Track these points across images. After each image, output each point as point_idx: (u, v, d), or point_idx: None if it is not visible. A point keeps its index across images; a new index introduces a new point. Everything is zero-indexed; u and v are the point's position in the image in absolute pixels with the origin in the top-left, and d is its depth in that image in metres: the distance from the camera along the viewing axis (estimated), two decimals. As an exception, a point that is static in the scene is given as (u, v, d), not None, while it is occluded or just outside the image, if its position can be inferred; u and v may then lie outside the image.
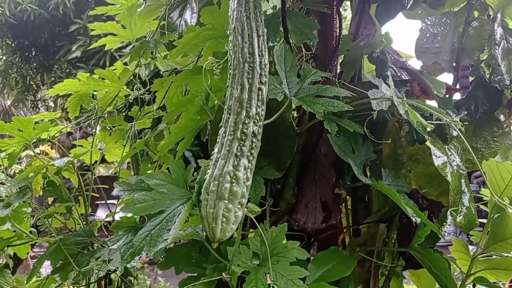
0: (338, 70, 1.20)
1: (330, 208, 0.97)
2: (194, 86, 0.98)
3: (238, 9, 0.81)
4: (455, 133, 1.03)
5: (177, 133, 0.94)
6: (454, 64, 1.25)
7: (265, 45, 0.81)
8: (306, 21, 0.91)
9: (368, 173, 1.09)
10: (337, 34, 1.01)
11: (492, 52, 1.08)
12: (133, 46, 1.22)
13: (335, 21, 1.01)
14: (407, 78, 1.08)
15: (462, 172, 1.00)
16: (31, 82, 12.58)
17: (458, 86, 1.23)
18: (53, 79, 11.20)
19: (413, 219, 0.81)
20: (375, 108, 0.88)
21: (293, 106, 1.04)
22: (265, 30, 0.83)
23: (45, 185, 1.38)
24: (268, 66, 0.81)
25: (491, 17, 1.21)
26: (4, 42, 10.90)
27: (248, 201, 0.90)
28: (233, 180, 0.74)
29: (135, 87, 1.35)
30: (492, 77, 1.08)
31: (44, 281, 1.32)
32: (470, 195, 0.99)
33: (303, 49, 1.01)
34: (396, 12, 1.25)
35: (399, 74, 1.07)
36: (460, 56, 1.24)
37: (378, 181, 0.87)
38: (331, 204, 0.96)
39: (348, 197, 1.16)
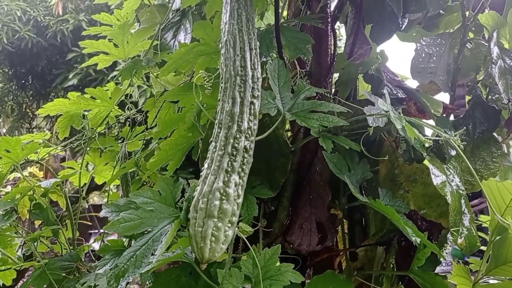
0: (333, 89, 1.18)
1: (325, 229, 0.93)
2: (185, 103, 0.96)
3: (230, 22, 0.79)
4: (453, 152, 1.00)
5: (168, 150, 0.91)
6: (450, 84, 1.24)
7: (258, 59, 0.79)
8: (300, 36, 0.89)
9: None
10: (332, 51, 1.00)
11: (489, 71, 1.06)
12: (125, 65, 1.20)
13: (329, 38, 0.99)
14: (403, 97, 1.06)
15: (462, 192, 0.96)
16: (27, 110, 12.57)
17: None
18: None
19: (413, 240, 0.77)
20: (371, 125, 0.85)
21: (287, 124, 1.01)
22: (258, 43, 0.81)
23: (31, 208, 1.33)
24: (260, 80, 0.79)
25: (487, 37, 1.20)
26: (0, 70, 10.94)
27: (240, 220, 0.87)
28: (223, 197, 0.71)
29: (126, 107, 1.32)
30: (490, 96, 1.06)
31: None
32: (471, 216, 0.95)
33: (297, 66, 0.99)
34: (390, 32, 1.24)
35: (395, 92, 1.05)
36: (456, 77, 1.23)
37: (376, 200, 0.84)
38: (326, 225, 0.92)
39: (344, 220, 1.13)
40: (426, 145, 0.80)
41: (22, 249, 1.48)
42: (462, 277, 1.16)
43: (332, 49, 1.01)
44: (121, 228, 0.76)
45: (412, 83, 1.29)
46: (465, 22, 1.26)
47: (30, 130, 12.89)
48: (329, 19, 1.00)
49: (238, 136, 0.74)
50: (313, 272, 1.12)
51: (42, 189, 1.28)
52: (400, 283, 1.04)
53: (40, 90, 11.55)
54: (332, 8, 1.08)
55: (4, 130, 15.33)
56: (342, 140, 0.87)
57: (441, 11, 1.26)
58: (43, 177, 1.52)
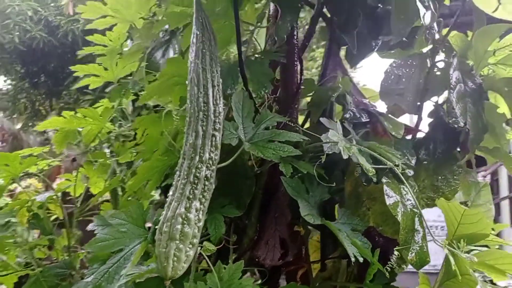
0: (307, 111, 1.27)
1: (287, 246, 1.01)
2: (156, 130, 1.05)
3: (195, 61, 0.88)
4: (410, 173, 1.08)
5: (144, 173, 1.00)
6: (419, 104, 1.31)
7: (220, 95, 0.88)
8: (262, 69, 0.98)
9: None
10: (298, 80, 1.08)
11: (447, 96, 1.14)
12: (113, 87, 1.30)
13: (296, 68, 1.07)
14: (367, 120, 1.14)
15: (416, 211, 1.04)
16: (40, 108, 12.82)
17: (421, 126, 1.28)
18: (61, 104, 11.38)
19: (353, 258, 0.86)
20: (327, 151, 0.94)
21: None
22: (221, 80, 0.89)
23: (30, 218, 1.44)
24: (222, 114, 0.88)
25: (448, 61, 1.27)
26: (13, 68, 11.16)
27: (207, 239, 0.96)
28: (185, 222, 0.80)
29: (117, 124, 1.42)
30: (448, 118, 1.14)
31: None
32: (423, 234, 1.03)
33: (266, 94, 1.08)
34: (364, 54, 1.31)
35: (358, 116, 1.13)
36: (424, 97, 1.30)
37: (327, 221, 0.92)
38: (288, 242, 1.01)
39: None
40: (370, 174, 0.87)
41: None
42: (426, 285, 1.24)
43: (299, 77, 1.09)
44: (97, 247, 0.86)
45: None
46: (434, 44, 1.33)
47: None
48: (296, 49, 1.08)
49: (199, 166, 0.83)
50: (286, 281, 1.20)
51: (39, 202, 1.39)
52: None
53: (52, 88, 11.77)
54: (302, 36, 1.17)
55: (18, 127, 15.62)
56: (302, 165, 0.96)
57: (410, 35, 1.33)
58: (44, 186, 1.62)
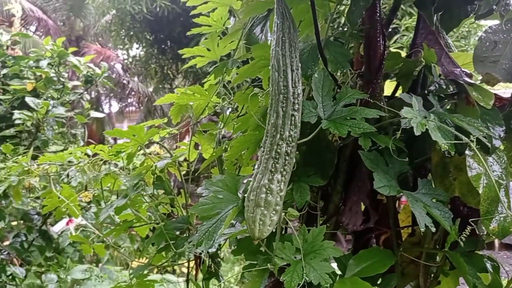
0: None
1: (368, 213, 1.09)
2: (252, 106, 1.18)
3: (275, 49, 0.98)
4: (497, 144, 1.07)
5: (238, 146, 1.15)
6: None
7: (298, 77, 0.97)
8: (341, 50, 1.04)
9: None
10: (381, 55, 1.11)
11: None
12: (216, 66, 1.45)
13: (378, 43, 1.11)
14: (454, 91, 1.13)
15: (501, 182, 1.04)
16: (168, 72, 13.89)
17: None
18: (186, 68, 12.20)
19: (423, 228, 0.91)
20: (404, 127, 0.98)
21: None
22: (299, 64, 0.98)
23: (154, 180, 1.70)
24: (301, 95, 0.97)
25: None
26: (144, 37, 12.21)
27: (292, 206, 1.08)
28: (268, 191, 0.93)
29: (221, 97, 1.58)
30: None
31: (153, 257, 1.64)
32: (509, 204, 1.03)
33: (349, 70, 1.14)
34: (459, 20, 1.28)
35: (445, 88, 1.13)
36: (524, 62, 1.23)
37: (405, 191, 0.98)
38: (369, 209, 1.09)
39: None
40: (442, 149, 0.90)
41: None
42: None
43: (382, 51, 1.12)
44: (199, 210, 1.03)
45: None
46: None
47: (171, 89, 14.26)
48: (378, 24, 1.11)
49: (280, 143, 0.94)
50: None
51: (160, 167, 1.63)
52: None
53: (177, 53, 12.71)
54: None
55: (151, 89, 17.11)
56: (380, 139, 1.02)
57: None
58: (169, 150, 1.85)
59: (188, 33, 1.69)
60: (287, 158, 0.95)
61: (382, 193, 0.96)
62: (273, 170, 0.94)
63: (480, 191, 0.99)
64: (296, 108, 0.96)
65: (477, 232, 1.09)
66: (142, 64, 14.06)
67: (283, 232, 1.17)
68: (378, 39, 1.11)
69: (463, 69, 1.24)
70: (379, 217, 1.18)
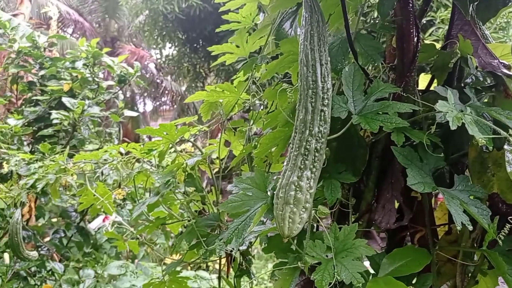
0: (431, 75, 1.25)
1: (402, 211, 1.06)
2: (281, 102, 1.16)
3: (304, 43, 0.96)
4: (540, 139, 1.01)
5: (267, 143, 1.13)
6: None
7: (328, 72, 0.95)
8: (372, 43, 1.01)
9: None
10: (414, 47, 1.07)
11: None
12: (245, 62, 1.44)
13: (411, 35, 1.07)
14: (492, 84, 1.08)
15: (545, 178, 0.98)
16: (200, 70, 13.99)
17: None
18: (218, 66, 12.27)
19: (459, 227, 0.87)
20: (438, 121, 0.94)
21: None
22: (329, 58, 0.96)
23: (186, 177, 1.71)
24: (330, 89, 0.95)
25: None
26: (176, 36, 12.33)
27: (323, 203, 1.06)
28: (297, 189, 0.91)
29: (251, 94, 1.57)
30: None
31: (185, 254, 1.65)
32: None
33: (382, 64, 1.10)
34: (496, 10, 1.23)
35: (482, 80, 1.08)
36: None
37: (441, 188, 0.94)
38: (403, 206, 1.05)
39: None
40: (480, 144, 0.86)
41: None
42: None
43: (415, 43, 1.08)
44: (229, 207, 1.02)
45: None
46: None
47: (203, 88, 14.39)
48: (411, 15, 1.07)
49: (309, 139, 0.92)
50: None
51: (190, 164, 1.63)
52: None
53: (209, 52, 12.79)
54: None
55: (184, 88, 17.31)
56: (414, 134, 0.98)
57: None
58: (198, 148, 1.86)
59: (217, 30, 1.69)
60: (316, 154, 0.93)
61: (416, 190, 0.92)
62: (302, 167, 0.92)
63: (520, 188, 0.94)
64: (325, 103, 0.94)
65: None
66: (175, 63, 14.21)
67: (314, 230, 1.15)
68: (411, 30, 1.07)
69: (501, 61, 1.19)
70: (414, 214, 1.14)
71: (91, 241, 3.56)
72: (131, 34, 17.80)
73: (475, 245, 1.15)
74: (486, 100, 1.11)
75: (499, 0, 1.22)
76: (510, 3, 1.21)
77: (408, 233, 1.17)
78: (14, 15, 6.64)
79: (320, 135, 0.93)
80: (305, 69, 0.94)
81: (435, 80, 1.25)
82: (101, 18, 18.06)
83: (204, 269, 3.88)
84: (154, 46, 14.62)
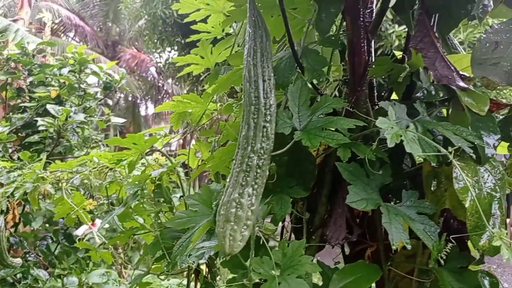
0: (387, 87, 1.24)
1: (352, 226, 1.05)
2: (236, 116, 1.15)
3: (247, 59, 0.95)
4: (490, 154, 1.00)
5: (220, 157, 1.12)
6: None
7: (271, 88, 0.94)
8: (318, 58, 1.00)
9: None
10: (365, 61, 1.07)
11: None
12: (208, 74, 1.43)
13: (362, 49, 1.06)
14: (444, 98, 1.07)
15: (495, 194, 0.97)
16: (200, 74, 14.03)
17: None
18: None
19: (394, 247, 0.86)
20: (382, 136, 0.93)
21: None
22: (272, 74, 0.95)
23: (155, 188, 1.70)
24: (274, 105, 0.94)
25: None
26: (175, 40, 12.35)
27: (271, 220, 1.05)
28: (238, 206, 0.90)
29: (218, 105, 1.57)
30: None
31: (150, 267, 1.64)
32: (502, 218, 0.96)
33: (326, 77, 1.09)
34: (459, 20, 1.22)
35: (434, 94, 1.07)
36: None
37: (384, 204, 0.93)
38: (351, 222, 1.04)
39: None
40: (420, 159, 0.85)
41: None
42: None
43: (367, 57, 1.07)
44: (175, 224, 1.02)
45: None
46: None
47: (203, 91, 14.41)
48: (361, 30, 1.06)
49: (251, 155, 0.91)
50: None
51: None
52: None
53: (208, 55, 12.84)
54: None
55: (185, 92, 17.34)
56: (360, 149, 0.97)
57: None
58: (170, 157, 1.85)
59: (187, 40, 1.68)
60: (258, 171, 0.92)
61: (356, 207, 0.91)
62: (244, 183, 0.91)
63: (467, 205, 0.93)
64: (268, 120, 0.93)
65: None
66: (175, 67, 14.24)
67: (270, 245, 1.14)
68: (362, 45, 1.06)
69: (461, 73, 1.17)
70: (369, 229, 1.13)
71: (79, 248, 3.55)
72: (132, 38, 17.85)
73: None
74: (440, 114, 1.10)
75: (460, 11, 1.21)
76: (471, 13, 1.19)
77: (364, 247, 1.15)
78: (14, 21, 6.68)
79: (262, 152, 0.92)
80: (247, 84, 0.94)
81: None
82: (102, 22, 18.13)
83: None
84: (154, 50, 14.66)
